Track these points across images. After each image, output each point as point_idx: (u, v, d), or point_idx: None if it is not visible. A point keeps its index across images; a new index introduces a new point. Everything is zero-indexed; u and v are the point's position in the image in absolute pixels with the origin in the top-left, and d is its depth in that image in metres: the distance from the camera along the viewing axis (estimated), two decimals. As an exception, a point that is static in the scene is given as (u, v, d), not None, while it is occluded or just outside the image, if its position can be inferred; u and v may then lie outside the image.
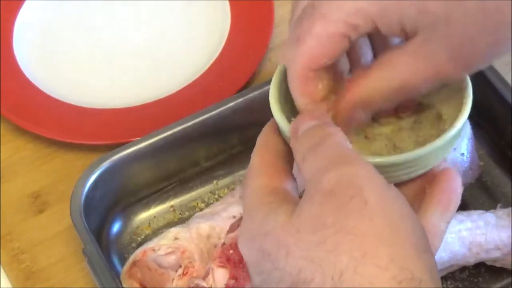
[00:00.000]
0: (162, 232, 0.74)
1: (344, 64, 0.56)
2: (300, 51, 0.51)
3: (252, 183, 0.50)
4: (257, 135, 0.51)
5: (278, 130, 0.53)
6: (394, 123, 0.57)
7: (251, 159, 0.52)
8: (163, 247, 0.71)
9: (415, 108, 0.57)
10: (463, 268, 0.73)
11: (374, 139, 0.56)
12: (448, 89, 0.55)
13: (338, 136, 0.48)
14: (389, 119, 0.57)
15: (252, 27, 0.90)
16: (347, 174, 0.45)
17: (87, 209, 0.73)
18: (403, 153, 0.51)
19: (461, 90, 0.54)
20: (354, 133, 0.55)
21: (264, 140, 0.53)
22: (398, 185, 0.51)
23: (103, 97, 0.87)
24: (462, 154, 0.74)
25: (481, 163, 0.79)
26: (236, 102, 0.78)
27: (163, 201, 0.81)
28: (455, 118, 0.53)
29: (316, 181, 0.46)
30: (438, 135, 0.53)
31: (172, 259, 0.70)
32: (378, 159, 0.51)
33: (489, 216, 0.72)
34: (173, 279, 0.70)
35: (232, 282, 0.64)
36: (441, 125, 0.55)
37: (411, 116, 0.57)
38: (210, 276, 0.63)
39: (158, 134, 0.77)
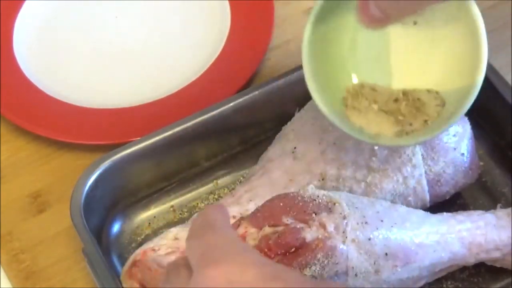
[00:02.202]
0: (162, 232, 0.74)
1: None
2: None
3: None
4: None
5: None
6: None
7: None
8: (163, 247, 0.71)
9: None
10: (463, 268, 0.73)
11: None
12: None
13: None
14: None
15: (252, 27, 0.90)
16: None
17: (87, 209, 0.73)
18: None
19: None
20: None
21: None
22: None
23: (103, 97, 0.87)
24: (462, 154, 0.74)
25: (481, 163, 0.79)
26: (236, 102, 0.78)
27: (163, 201, 0.81)
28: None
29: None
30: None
31: (172, 259, 0.70)
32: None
33: (489, 216, 0.71)
34: (173, 279, 0.70)
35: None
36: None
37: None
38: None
39: (158, 134, 0.77)
